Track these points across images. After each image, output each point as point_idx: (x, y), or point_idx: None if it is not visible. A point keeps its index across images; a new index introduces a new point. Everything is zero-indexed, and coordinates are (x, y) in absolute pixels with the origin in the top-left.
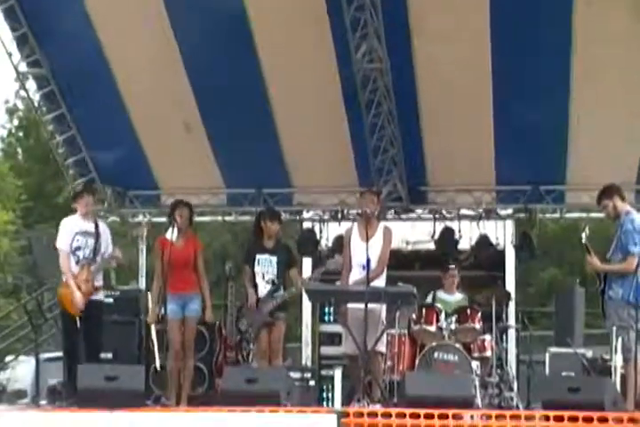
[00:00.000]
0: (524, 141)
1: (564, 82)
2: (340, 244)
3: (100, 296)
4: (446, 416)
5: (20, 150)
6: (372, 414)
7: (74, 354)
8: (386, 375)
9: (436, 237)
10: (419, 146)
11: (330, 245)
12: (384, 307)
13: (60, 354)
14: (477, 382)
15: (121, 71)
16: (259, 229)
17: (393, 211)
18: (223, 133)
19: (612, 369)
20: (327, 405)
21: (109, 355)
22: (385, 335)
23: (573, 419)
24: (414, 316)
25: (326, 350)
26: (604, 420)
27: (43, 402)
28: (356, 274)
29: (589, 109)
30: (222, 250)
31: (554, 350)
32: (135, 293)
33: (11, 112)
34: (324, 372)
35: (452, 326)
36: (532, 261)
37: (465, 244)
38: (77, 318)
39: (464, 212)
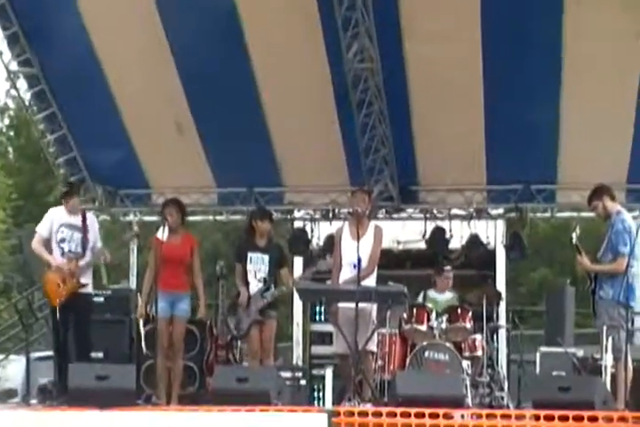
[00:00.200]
0: (515, 141)
1: (554, 82)
2: (331, 243)
3: (88, 290)
4: (437, 416)
5: (10, 149)
6: (363, 414)
7: (64, 353)
8: (377, 375)
9: (427, 236)
10: (410, 146)
11: (321, 244)
12: (375, 306)
13: (50, 353)
14: (468, 382)
15: (112, 70)
16: (250, 228)
17: (384, 210)
18: (214, 133)
19: (603, 369)
20: (318, 404)
21: (100, 354)
22: (376, 335)
23: (564, 418)
24: (405, 315)
25: (317, 349)
26: (594, 419)
27: (33, 401)
28: (347, 273)
29: (580, 109)
30: (213, 249)
31: (544, 349)
32: (126, 292)
33: (1, 111)
34: (314, 371)
35: (443, 326)
36: (523, 261)
37: (456, 243)
38: (57, 310)
39: (455, 211)
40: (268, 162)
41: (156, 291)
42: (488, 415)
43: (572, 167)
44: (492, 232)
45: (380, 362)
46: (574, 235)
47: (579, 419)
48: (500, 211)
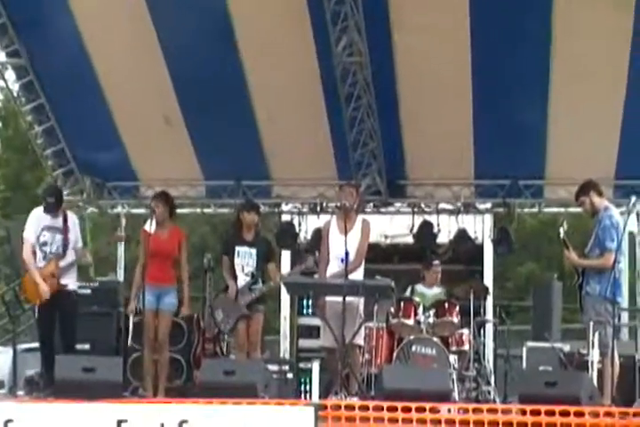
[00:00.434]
0: (503, 136)
1: (543, 77)
2: (319, 237)
3: (72, 287)
4: (424, 410)
5: None
6: (350, 407)
7: (50, 345)
8: (364, 368)
9: (415, 230)
10: (398, 140)
11: (309, 238)
12: (362, 300)
13: (37, 345)
14: (455, 376)
15: (101, 63)
16: (238, 222)
17: (372, 204)
18: (202, 125)
19: (589, 364)
20: (305, 397)
21: (87, 346)
22: (363, 328)
23: (550, 413)
24: (392, 309)
25: (304, 342)
26: (580, 414)
27: (20, 393)
28: (334, 267)
29: (568, 105)
30: (201, 242)
31: (531, 344)
32: (113, 284)
33: None
34: (301, 365)
35: (430, 320)
36: (510, 256)
37: (443, 238)
38: (36, 308)
39: (443, 206)
40: (256, 155)
41: (143, 284)
42: (475, 410)
43: (559, 163)
44: (480, 227)
45: (367, 356)
46: (562, 230)
47: (565, 414)
48: (488, 206)
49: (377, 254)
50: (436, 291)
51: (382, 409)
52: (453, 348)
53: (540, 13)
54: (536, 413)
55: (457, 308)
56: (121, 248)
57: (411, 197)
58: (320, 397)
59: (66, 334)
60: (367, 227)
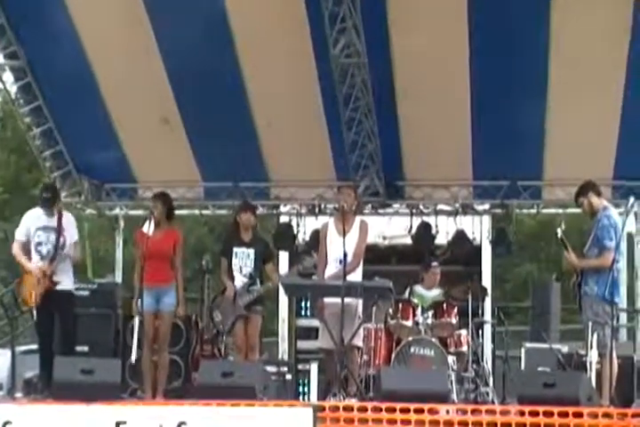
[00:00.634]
0: (502, 137)
1: (541, 78)
2: (317, 238)
3: (68, 287)
4: (422, 411)
5: None
6: (348, 409)
7: (48, 347)
8: (362, 370)
9: (413, 232)
10: (396, 141)
11: (307, 239)
12: (360, 301)
13: (36, 346)
14: (453, 377)
15: (99, 64)
16: (235, 223)
17: (370, 206)
18: (201, 127)
19: (588, 365)
20: (303, 399)
21: (85, 348)
22: (361, 330)
23: (549, 414)
24: (391, 310)
25: (303, 344)
26: (579, 415)
27: (18, 395)
28: (333, 269)
29: (566, 106)
30: (199, 243)
31: (529, 345)
32: (111, 286)
33: None
34: (300, 366)
35: (429, 321)
36: (509, 257)
37: (442, 239)
38: (34, 310)
39: (441, 207)
40: (254, 156)
41: (141, 286)
42: (473, 411)
43: (558, 164)
44: (478, 228)
45: (365, 357)
46: (559, 230)
47: (563, 415)
48: (486, 207)
49: (375, 256)
50: (434, 293)
51: (381, 410)
52: (452, 349)
53: (538, 15)
54: (534, 414)
55: (455, 309)
56: (119, 249)
57: (409, 199)
58: (318, 398)
59: (65, 335)
60: (365, 227)
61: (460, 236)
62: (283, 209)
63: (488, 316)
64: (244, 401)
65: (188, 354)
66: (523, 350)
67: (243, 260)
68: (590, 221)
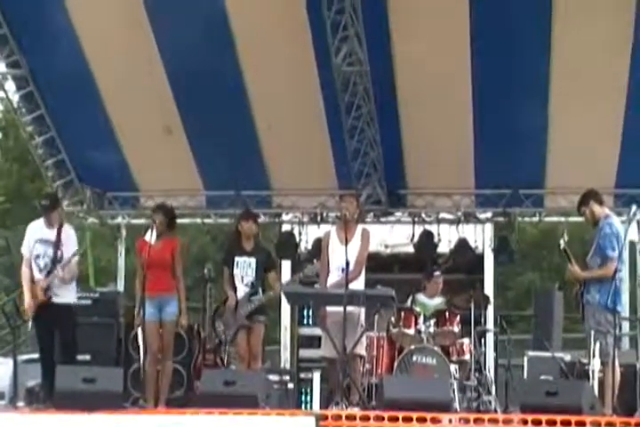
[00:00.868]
0: (504, 145)
1: (543, 86)
2: (319, 247)
3: (68, 300)
4: (425, 419)
5: None
6: (351, 417)
7: (50, 356)
8: (364, 378)
9: (416, 240)
10: (398, 149)
11: (309, 247)
12: (363, 310)
13: (38, 356)
14: (456, 386)
15: (101, 73)
16: (237, 232)
17: (372, 214)
18: (203, 136)
19: (590, 373)
20: (306, 408)
21: (87, 357)
22: (364, 338)
23: (551, 423)
24: (393, 319)
25: (305, 352)
26: (581, 424)
27: (20, 404)
28: (335, 277)
29: (568, 114)
30: (201, 252)
31: (532, 353)
32: (113, 295)
33: None
34: (302, 375)
35: (431, 330)
36: (511, 265)
37: (444, 247)
38: (31, 321)
39: (443, 215)
40: (256, 165)
41: (143, 295)
42: (476, 420)
43: (560, 172)
44: (481, 236)
45: (367, 366)
46: (562, 241)
47: (566, 423)
48: (489, 215)
49: (377, 264)
50: (436, 301)
51: (383, 419)
52: (454, 357)
53: (539, 23)
54: (537, 422)
55: (457, 317)
56: (121, 258)
57: (411, 207)
58: (321, 407)
59: (65, 348)
60: (367, 236)
61: (463, 244)
62: (285, 218)
63: (490, 324)
64: (246, 410)
65: (191, 363)
66: (525, 359)
67: (244, 269)
68: (593, 230)
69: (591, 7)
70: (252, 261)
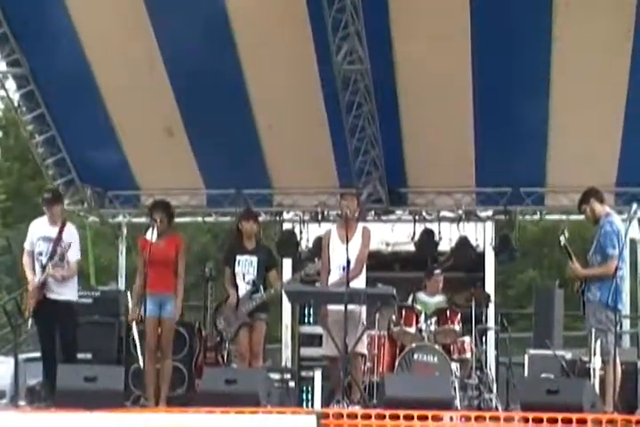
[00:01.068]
0: (504, 143)
1: (544, 85)
2: (320, 245)
3: (69, 297)
4: (426, 418)
5: None
6: (352, 416)
7: (51, 355)
8: (365, 377)
9: (416, 238)
10: (399, 147)
11: (310, 246)
12: (364, 308)
13: (39, 354)
14: (457, 384)
15: (101, 72)
16: (238, 231)
17: (373, 212)
18: (203, 134)
19: (591, 371)
20: (307, 406)
21: (88, 355)
22: (365, 336)
23: (552, 421)
24: (394, 317)
25: (306, 351)
26: (582, 422)
27: (22, 403)
28: (336, 276)
29: (569, 112)
30: (202, 251)
31: (533, 351)
32: (115, 293)
33: None
34: (303, 373)
35: (432, 328)
36: (512, 263)
37: (445, 245)
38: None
39: (444, 213)
40: (256, 164)
41: (144, 293)
42: (477, 418)
43: (560, 170)
44: (481, 235)
45: (368, 364)
46: (562, 238)
47: (567, 421)
48: (489, 213)
49: (378, 262)
50: (437, 299)
51: (384, 417)
52: (455, 356)
53: (540, 22)
54: (538, 420)
55: (458, 315)
56: (122, 257)
57: (412, 205)
58: (322, 405)
59: (65, 346)
60: (367, 234)
61: (463, 242)
62: (286, 216)
63: (491, 322)
64: (247, 408)
65: (192, 361)
66: (526, 357)
67: (245, 267)
68: (593, 229)
69: (591, 6)
70: (254, 259)
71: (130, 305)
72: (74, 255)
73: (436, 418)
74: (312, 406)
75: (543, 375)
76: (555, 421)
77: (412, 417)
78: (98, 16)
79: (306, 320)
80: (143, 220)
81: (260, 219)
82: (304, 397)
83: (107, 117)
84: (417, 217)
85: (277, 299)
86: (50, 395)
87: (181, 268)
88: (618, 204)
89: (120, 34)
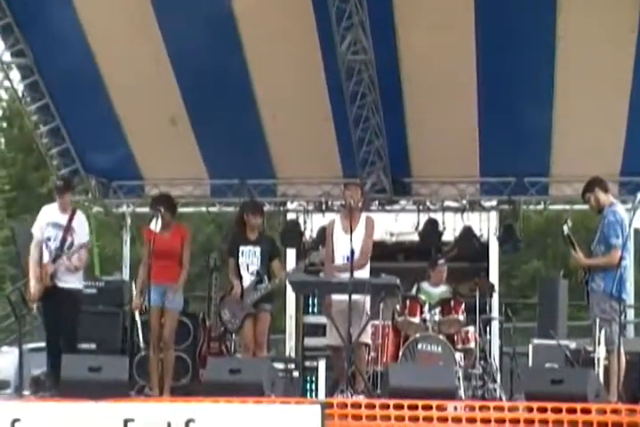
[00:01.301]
0: (509, 133)
1: (548, 74)
2: (324, 235)
3: (74, 285)
4: (430, 407)
5: (3, 140)
6: (356, 405)
7: (55, 344)
8: (370, 367)
9: (420, 228)
10: (403, 137)
11: (314, 236)
12: (368, 298)
13: (43, 344)
14: (461, 374)
15: (106, 62)
16: (241, 221)
17: (377, 202)
18: (207, 125)
19: (596, 361)
20: (311, 396)
21: (93, 345)
22: (369, 326)
23: (557, 410)
24: (398, 307)
25: (310, 341)
26: (587, 411)
27: (26, 393)
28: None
29: (573, 102)
30: (206, 242)
31: (537, 341)
32: (119, 283)
33: None
34: (307, 363)
35: (436, 318)
36: (516, 253)
37: (449, 235)
38: (34, 306)
39: (448, 203)
40: (260, 154)
41: (149, 283)
42: (481, 407)
43: (565, 160)
44: (485, 225)
45: (372, 354)
46: (566, 227)
47: (572, 411)
48: (494, 203)
49: (382, 252)
50: (441, 289)
51: (389, 407)
52: (459, 345)
53: (544, 10)
54: (543, 410)
55: (462, 305)
56: (126, 247)
57: (416, 195)
58: (326, 395)
59: (65, 333)
60: (371, 224)
61: (467, 232)
62: (290, 206)
63: (495, 312)
64: (251, 398)
65: (196, 351)
66: (530, 347)
67: (249, 258)
68: (597, 218)
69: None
70: (257, 249)
71: (136, 293)
72: (83, 240)
73: (439, 408)
74: (316, 395)
75: (547, 365)
76: (559, 410)
77: (416, 407)
78: (102, 7)
79: (310, 310)
80: (147, 210)
81: (264, 209)
82: (308, 387)
83: (111, 107)
84: (421, 207)
85: (281, 289)
86: (54, 385)
87: (186, 259)
88: (622, 193)
89: (125, 23)
